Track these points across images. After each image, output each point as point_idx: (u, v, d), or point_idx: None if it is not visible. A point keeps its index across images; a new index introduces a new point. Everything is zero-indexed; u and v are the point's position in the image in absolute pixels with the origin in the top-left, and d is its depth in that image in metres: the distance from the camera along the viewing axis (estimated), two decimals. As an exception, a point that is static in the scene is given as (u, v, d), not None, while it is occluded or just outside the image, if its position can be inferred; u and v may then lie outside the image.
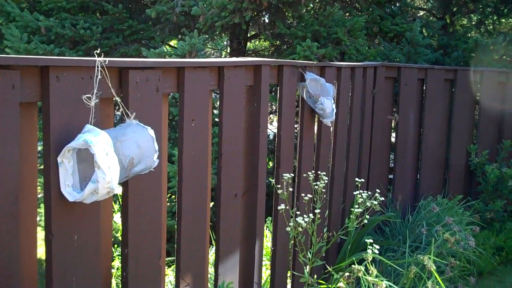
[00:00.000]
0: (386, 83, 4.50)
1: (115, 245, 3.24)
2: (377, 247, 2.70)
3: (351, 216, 2.79)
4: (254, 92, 2.93)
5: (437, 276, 2.83)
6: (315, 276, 2.89)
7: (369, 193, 2.90)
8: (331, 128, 3.70)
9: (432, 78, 4.83)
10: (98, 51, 1.86)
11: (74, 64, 1.82)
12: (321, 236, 3.14)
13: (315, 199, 2.87)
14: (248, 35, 5.79)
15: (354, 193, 2.88)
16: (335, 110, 3.51)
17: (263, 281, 3.26)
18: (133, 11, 5.80)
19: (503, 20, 7.87)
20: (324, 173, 3.02)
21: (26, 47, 4.65)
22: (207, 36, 4.74)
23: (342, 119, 3.80)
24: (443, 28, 6.76)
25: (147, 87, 2.13)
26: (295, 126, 3.52)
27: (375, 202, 2.76)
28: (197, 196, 2.49)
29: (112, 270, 2.34)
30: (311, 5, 5.72)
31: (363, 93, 4.13)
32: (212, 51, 7.17)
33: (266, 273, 3.53)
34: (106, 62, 1.85)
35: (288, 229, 2.66)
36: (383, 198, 2.88)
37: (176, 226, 2.43)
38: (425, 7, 8.11)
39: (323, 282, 3.01)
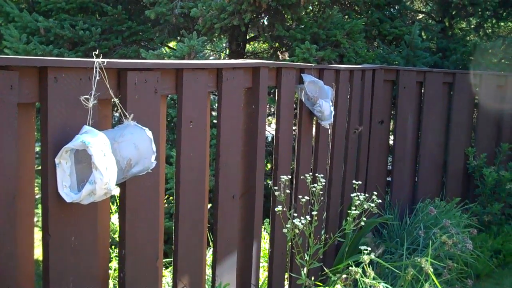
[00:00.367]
0: (384, 86, 4.51)
1: (113, 246, 3.24)
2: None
3: (348, 218, 2.79)
4: (252, 94, 2.94)
5: (435, 279, 2.84)
6: (313, 278, 2.89)
7: (367, 195, 2.90)
8: (329, 130, 3.71)
9: (430, 81, 4.84)
10: (96, 52, 1.86)
11: (73, 65, 1.82)
12: (318, 238, 3.15)
13: (312, 201, 2.87)
14: (247, 37, 5.80)
15: (352, 195, 2.88)
16: (333, 113, 3.51)
17: (260, 283, 3.26)
18: (132, 12, 5.80)
19: (502, 24, 7.90)
20: (322, 175, 3.02)
21: (25, 48, 4.66)
22: (206, 38, 4.74)
23: (340, 122, 3.81)
24: (442, 31, 6.77)
25: (145, 88, 2.13)
26: (293, 128, 3.53)
27: (372, 204, 2.77)
28: (194, 198, 2.49)
29: (110, 271, 2.34)
30: (310, 7, 5.73)
31: (362, 95, 4.13)
32: (211, 53, 7.18)
33: (263, 274, 3.53)
34: (105, 63, 1.86)
35: (284, 231, 2.66)
36: (380, 201, 2.88)
37: (173, 228, 2.43)
38: (424, 10, 8.12)
39: (321, 284, 3.02)
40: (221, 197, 2.70)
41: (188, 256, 2.49)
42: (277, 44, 5.56)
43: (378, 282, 2.65)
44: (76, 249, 1.86)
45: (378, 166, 4.49)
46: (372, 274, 2.64)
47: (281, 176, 2.94)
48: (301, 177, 3.27)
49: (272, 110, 6.22)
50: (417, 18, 7.84)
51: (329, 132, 3.72)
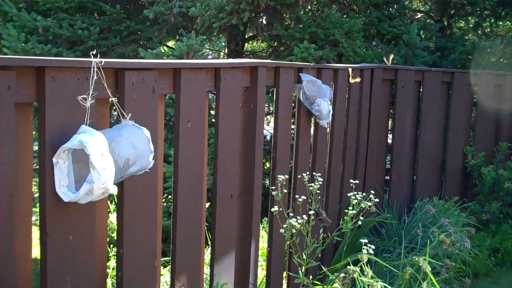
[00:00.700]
0: (383, 85, 4.51)
1: (111, 245, 3.24)
2: (373, 247, 2.71)
3: (345, 217, 2.80)
4: (250, 94, 2.94)
5: (432, 277, 2.84)
6: (311, 277, 2.89)
7: (364, 194, 2.91)
8: (328, 129, 3.71)
9: (429, 80, 4.84)
10: (94, 52, 1.86)
11: (70, 65, 1.83)
12: (316, 237, 3.15)
13: (310, 200, 2.88)
14: (246, 36, 5.80)
15: (348, 194, 2.89)
16: (331, 112, 3.52)
17: (258, 282, 3.27)
18: (131, 11, 5.80)
19: (500, 23, 7.89)
20: (320, 174, 3.03)
21: (23, 47, 4.66)
22: (204, 37, 4.75)
23: (338, 121, 3.82)
24: (441, 31, 6.77)
25: (143, 88, 2.14)
26: (292, 127, 3.53)
27: (369, 203, 2.77)
28: (193, 197, 2.50)
29: (108, 270, 2.35)
30: (309, 6, 5.73)
31: (360, 94, 4.14)
32: (210, 52, 7.19)
33: (261, 273, 3.54)
34: (102, 63, 1.86)
35: (281, 231, 2.67)
36: (377, 200, 2.88)
37: (171, 227, 2.44)
38: (423, 9, 8.13)
39: (319, 283, 3.02)
40: (219, 196, 2.71)
41: (186, 255, 2.49)
42: (275, 43, 5.56)
43: (376, 281, 2.66)
44: (74, 248, 1.86)
45: (377, 165, 4.50)
46: (370, 273, 2.65)
47: (279, 176, 2.94)
48: (299, 176, 3.28)
49: (271, 109, 6.22)
50: (416, 17, 7.84)
51: (328, 131, 3.73)
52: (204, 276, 2.84)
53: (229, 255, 2.82)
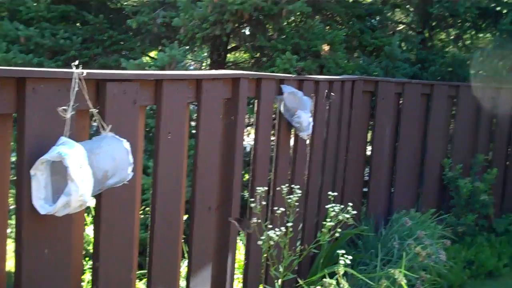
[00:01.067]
0: (363, 97, 4.56)
1: (87, 258, 3.21)
2: (350, 257, 2.74)
3: (323, 229, 2.82)
4: (231, 105, 2.96)
5: (407, 290, 2.88)
6: (288, 289, 2.91)
7: (342, 206, 2.94)
8: (307, 141, 3.74)
9: (409, 92, 4.90)
10: (76, 63, 1.86)
11: (51, 76, 1.83)
12: (293, 250, 3.17)
13: (288, 212, 2.90)
14: (228, 47, 5.83)
15: (326, 206, 2.91)
16: (312, 124, 3.55)
17: (236, 293, 3.27)
18: (114, 21, 5.78)
19: (481, 35, 8.02)
20: (298, 186, 3.05)
21: (4, 57, 4.62)
22: (187, 47, 4.76)
23: (318, 133, 3.85)
24: (422, 42, 6.86)
25: (124, 99, 2.14)
26: (272, 139, 3.55)
27: (347, 216, 2.80)
28: (171, 209, 2.50)
29: (82, 284, 2.33)
30: (292, 18, 5.78)
31: (341, 106, 4.18)
32: (192, 63, 7.19)
33: (238, 286, 3.54)
34: (84, 74, 1.85)
35: (259, 243, 2.68)
36: (355, 212, 2.91)
37: (149, 239, 2.44)
38: (405, 21, 8.23)
39: (296, 295, 3.04)
40: (197, 208, 2.71)
41: (162, 267, 2.49)
42: (258, 54, 5.59)
43: (352, 294, 2.68)
44: (49, 261, 1.85)
45: (355, 177, 4.54)
46: (346, 285, 2.68)
47: (257, 188, 2.95)
48: (277, 188, 3.30)
49: (251, 120, 6.24)
50: (398, 29, 7.93)
51: (307, 143, 3.76)
52: (181, 288, 2.83)
53: (206, 267, 2.82)
